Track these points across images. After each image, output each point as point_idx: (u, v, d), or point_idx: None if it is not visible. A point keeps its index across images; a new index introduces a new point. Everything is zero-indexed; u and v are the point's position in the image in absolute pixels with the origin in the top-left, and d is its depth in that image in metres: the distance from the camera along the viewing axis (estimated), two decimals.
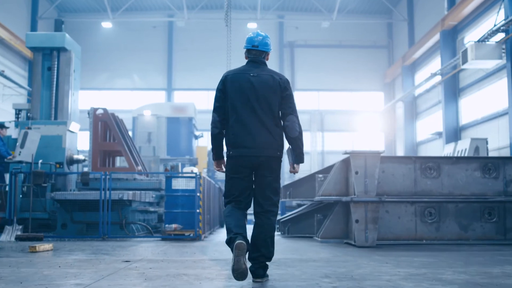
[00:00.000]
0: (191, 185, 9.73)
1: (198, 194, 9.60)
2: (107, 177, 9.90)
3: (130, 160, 13.38)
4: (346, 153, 8.29)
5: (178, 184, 9.78)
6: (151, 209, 12.01)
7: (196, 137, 24.63)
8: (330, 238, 8.98)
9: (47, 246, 7.06)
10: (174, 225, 9.49)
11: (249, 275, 4.20)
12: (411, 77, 28.25)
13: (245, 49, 4.57)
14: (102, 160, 13.93)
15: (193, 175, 9.73)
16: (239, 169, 4.35)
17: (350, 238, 8.81)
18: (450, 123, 22.28)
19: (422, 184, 8.67)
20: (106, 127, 13.96)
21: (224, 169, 4.50)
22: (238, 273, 3.92)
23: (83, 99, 22.38)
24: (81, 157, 13.26)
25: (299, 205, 15.13)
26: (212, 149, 4.53)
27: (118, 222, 10.20)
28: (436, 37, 23.43)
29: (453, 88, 22.48)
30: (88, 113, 13.61)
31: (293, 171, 4.49)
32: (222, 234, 12.03)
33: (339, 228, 9.08)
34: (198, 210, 9.55)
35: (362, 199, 7.95)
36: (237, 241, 3.97)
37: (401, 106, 29.22)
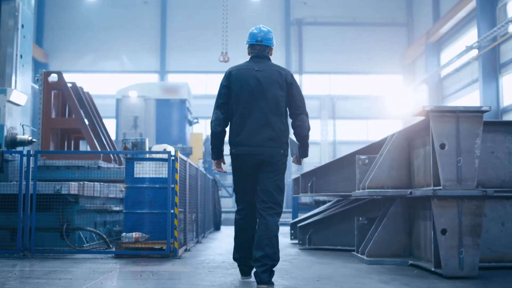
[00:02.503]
0: (163, 172, 6.32)
1: (172, 186, 6.19)
2: (31, 158, 6.48)
3: (92, 141, 9.97)
4: (418, 114, 4.83)
5: (144, 170, 6.37)
6: (116, 208, 8.61)
7: (191, 123, 21.23)
8: (384, 257, 5.54)
9: None
10: (135, 234, 6.08)
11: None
12: (436, 55, 24.83)
13: (247, 45, 4.44)
14: (59, 142, 10.50)
15: (165, 156, 6.30)
16: (243, 168, 4.24)
17: (418, 257, 5.39)
18: (489, 105, 18.79)
19: None
20: (64, 99, 10.56)
21: (223, 169, 4.43)
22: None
23: None
24: (27, 137, 9.84)
25: (317, 203, 11.79)
26: (212, 148, 4.36)
27: (57, 228, 6.79)
28: (471, 5, 19.96)
29: (492, 64, 19.02)
30: (37, 79, 10.21)
31: (298, 162, 4.43)
32: (214, 244, 8.62)
33: (397, 241, 5.66)
34: (172, 211, 6.14)
35: (455, 193, 4.50)
36: (243, 280, 4.36)
37: (425, 89, 25.81)
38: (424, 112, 4.73)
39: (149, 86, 20.79)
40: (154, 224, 6.29)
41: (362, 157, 6.08)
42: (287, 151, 4.26)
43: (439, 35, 23.91)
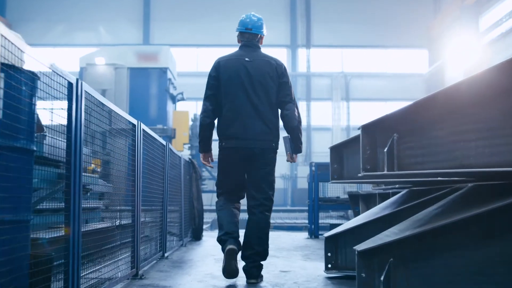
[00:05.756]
0: None
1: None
2: None
3: None
4: None
5: None
6: None
7: (174, 99, 17.02)
8: None
9: None
10: None
11: (242, 274, 4.07)
12: (475, 21, 20.70)
13: (237, 32, 4.43)
14: None
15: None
16: (232, 162, 4.22)
17: None
18: None
19: None
20: None
21: (211, 164, 4.42)
22: (229, 273, 3.96)
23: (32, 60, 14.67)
24: None
25: (352, 198, 7.66)
26: (200, 140, 4.35)
27: None
28: None
29: None
30: None
31: (291, 160, 4.40)
32: (168, 282, 4.40)
33: None
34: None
35: None
36: (228, 247, 3.96)
37: (457, 64, 21.62)
38: None
39: (120, 52, 16.70)
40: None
41: None
42: (278, 144, 4.23)
43: None
